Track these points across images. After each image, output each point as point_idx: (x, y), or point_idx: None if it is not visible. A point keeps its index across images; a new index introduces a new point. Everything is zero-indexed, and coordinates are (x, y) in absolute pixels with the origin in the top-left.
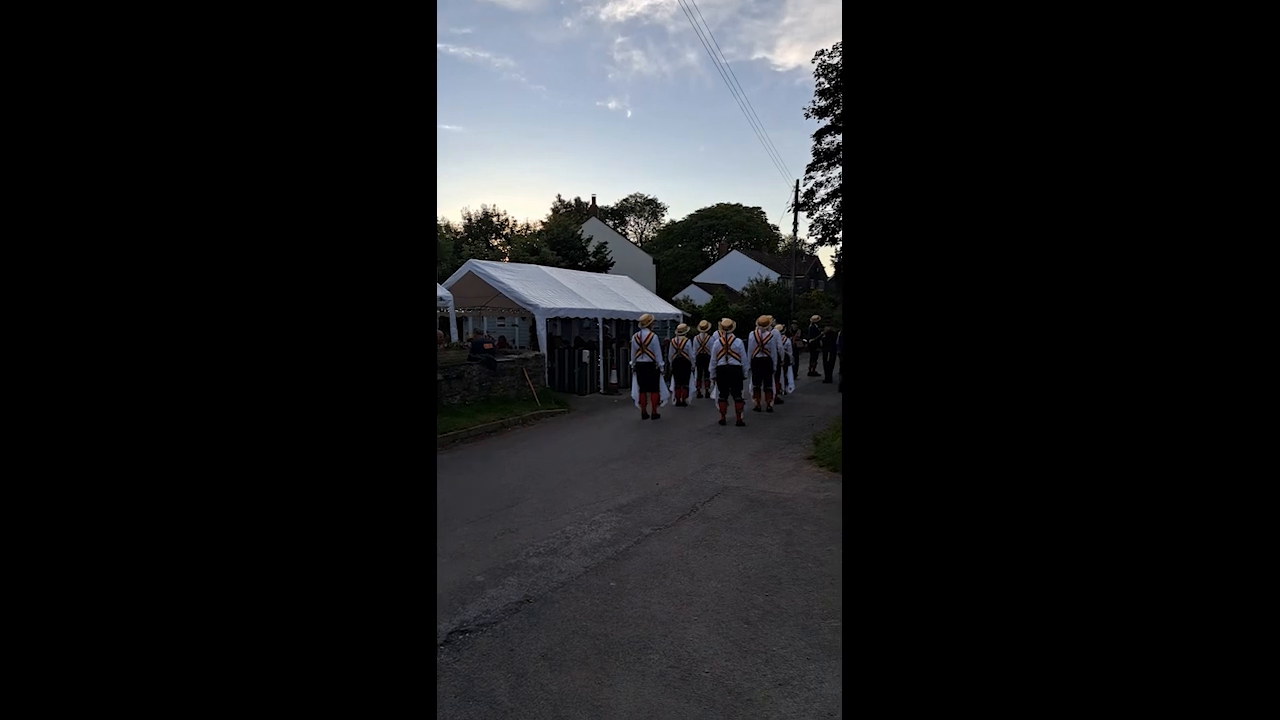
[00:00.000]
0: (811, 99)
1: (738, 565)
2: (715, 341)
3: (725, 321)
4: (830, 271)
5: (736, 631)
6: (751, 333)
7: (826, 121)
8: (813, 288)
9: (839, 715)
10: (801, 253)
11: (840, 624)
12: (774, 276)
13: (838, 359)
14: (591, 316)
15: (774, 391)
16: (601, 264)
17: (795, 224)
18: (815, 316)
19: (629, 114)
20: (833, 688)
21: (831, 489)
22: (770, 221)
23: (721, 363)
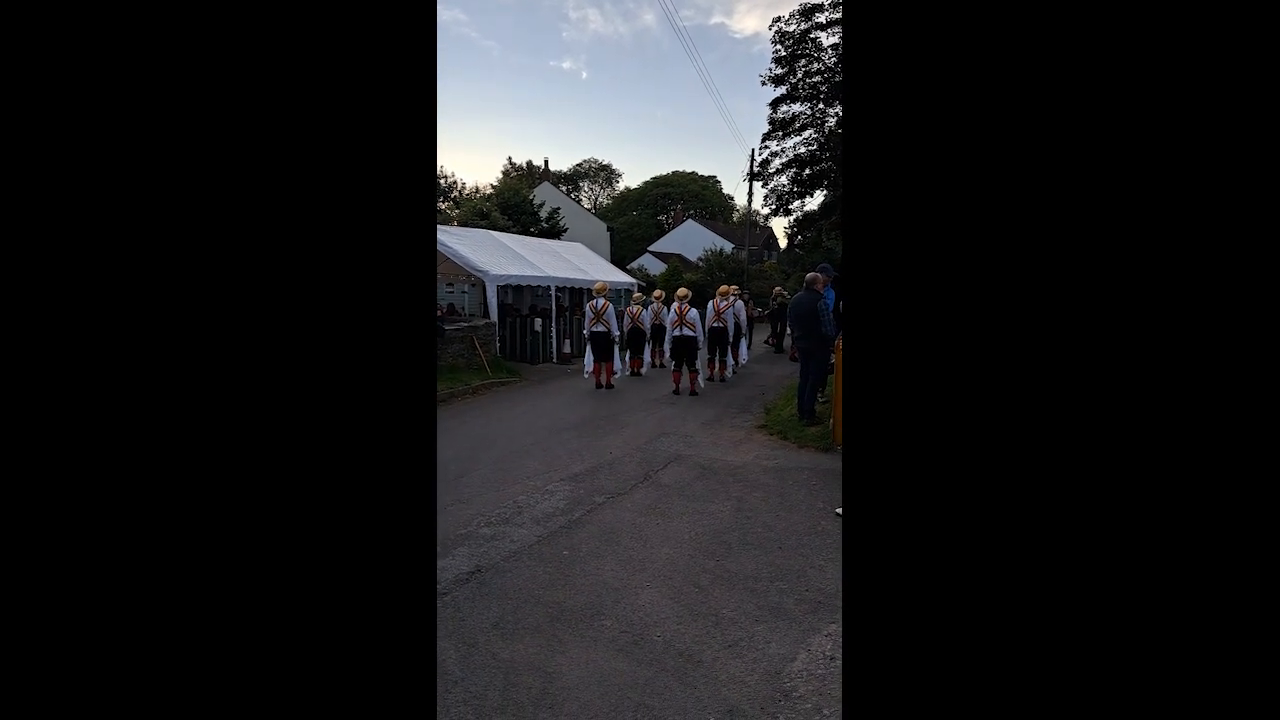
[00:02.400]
0: (768, 67)
1: (689, 531)
2: (670, 312)
3: (681, 291)
4: (783, 243)
5: (687, 596)
6: (710, 302)
7: (782, 90)
8: (766, 259)
9: (784, 673)
10: (755, 223)
11: (786, 586)
12: (728, 247)
13: (787, 329)
14: (544, 284)
15: (729, 362)
16: (554, 230)
17: (750, 194)
18: (777, 289)
19: (584, 75)
20: (778, 648)
21: (780, 456)
22: (725, 191)
23: (676, 333)
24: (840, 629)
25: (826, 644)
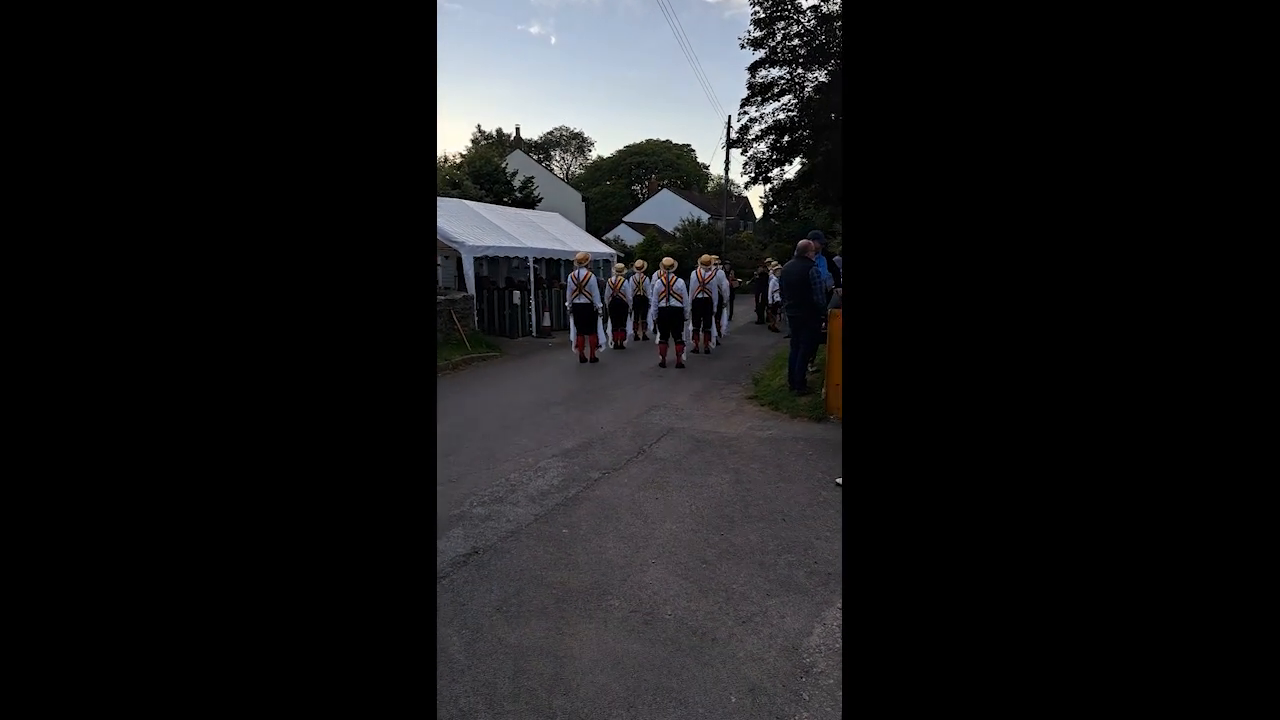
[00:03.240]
0: (747, 29)
1: (690, 505)
2: (656, 282)
3: (666, 261)
4: (759, 213)
5: (695, 572)
6: (693, 272)
7: (761, 53)
8: (742, 228)
9: (802, 648)
10: (731, 193)
11: (795, 559)
12: (705, 217)
13: (768, 300)
14: (521, 256)
15: (713, 333)
16: (528, 200)
17: (727, 162)
18: (770, 259)
19: (553, 40)
20: (793, 622)
21: (773, 427)
22: (700, 160)
23: (663, 304)
24: None
25: (841, 616)
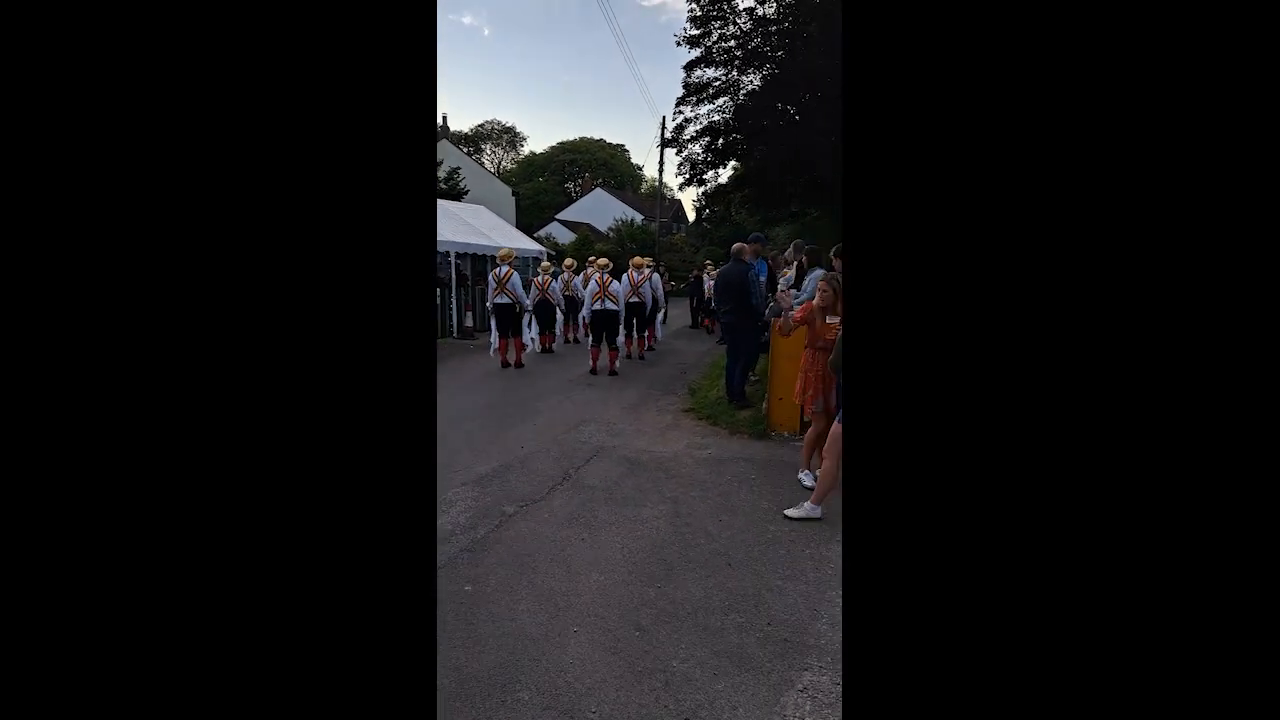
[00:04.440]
0: (683, 26)
1: (621, 548)
2: (591, 283)
3: (601, 260)
4: (692, 215)
5: (626, 643)
6: (625, 274)
7: (698, 52)
8: (676, 231)
9: None
10: (664, 195)
11: (744, 619)
12: (639, 217)
13: (702, 304)
14: (441, 250)
15: (646, 338)
16: (454, 192)
17: (661, 162)
18: (707, 263)
19: (486, 32)
20: (747, 714)
21: (712, 445)
22: (634, 161)
23: (598, 306)
24: (815, 679)
25: (804, 704)
